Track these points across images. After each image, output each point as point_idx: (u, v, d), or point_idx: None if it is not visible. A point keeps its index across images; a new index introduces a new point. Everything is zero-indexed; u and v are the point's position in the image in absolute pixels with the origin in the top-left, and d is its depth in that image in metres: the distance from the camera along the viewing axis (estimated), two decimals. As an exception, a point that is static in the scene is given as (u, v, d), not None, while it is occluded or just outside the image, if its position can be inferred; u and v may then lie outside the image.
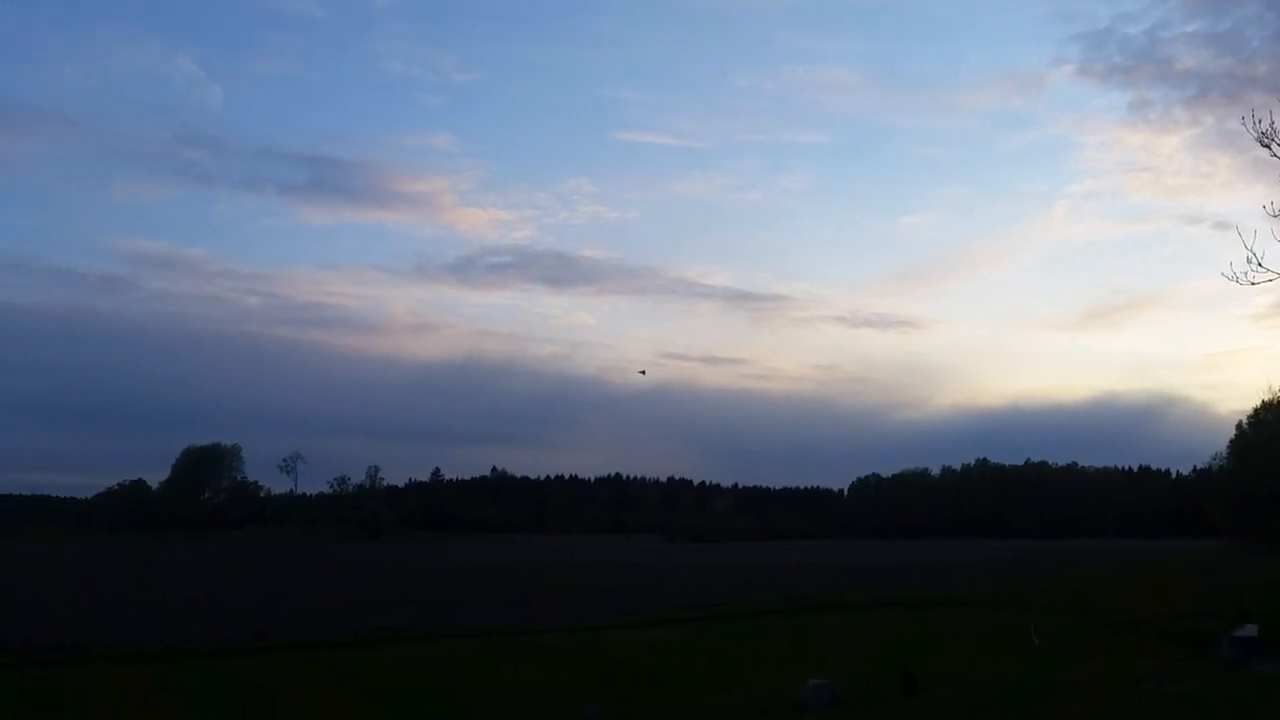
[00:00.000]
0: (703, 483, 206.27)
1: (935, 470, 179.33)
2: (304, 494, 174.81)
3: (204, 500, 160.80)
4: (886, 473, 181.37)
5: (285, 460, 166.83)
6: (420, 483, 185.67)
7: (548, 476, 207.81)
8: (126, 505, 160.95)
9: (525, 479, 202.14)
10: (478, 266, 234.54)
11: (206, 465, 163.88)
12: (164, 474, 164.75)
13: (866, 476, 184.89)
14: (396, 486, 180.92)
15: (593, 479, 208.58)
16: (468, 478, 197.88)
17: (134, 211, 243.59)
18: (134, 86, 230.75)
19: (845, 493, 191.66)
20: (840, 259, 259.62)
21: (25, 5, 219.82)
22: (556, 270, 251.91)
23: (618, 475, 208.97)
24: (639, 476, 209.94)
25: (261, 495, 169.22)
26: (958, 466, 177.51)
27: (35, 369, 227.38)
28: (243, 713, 10.95)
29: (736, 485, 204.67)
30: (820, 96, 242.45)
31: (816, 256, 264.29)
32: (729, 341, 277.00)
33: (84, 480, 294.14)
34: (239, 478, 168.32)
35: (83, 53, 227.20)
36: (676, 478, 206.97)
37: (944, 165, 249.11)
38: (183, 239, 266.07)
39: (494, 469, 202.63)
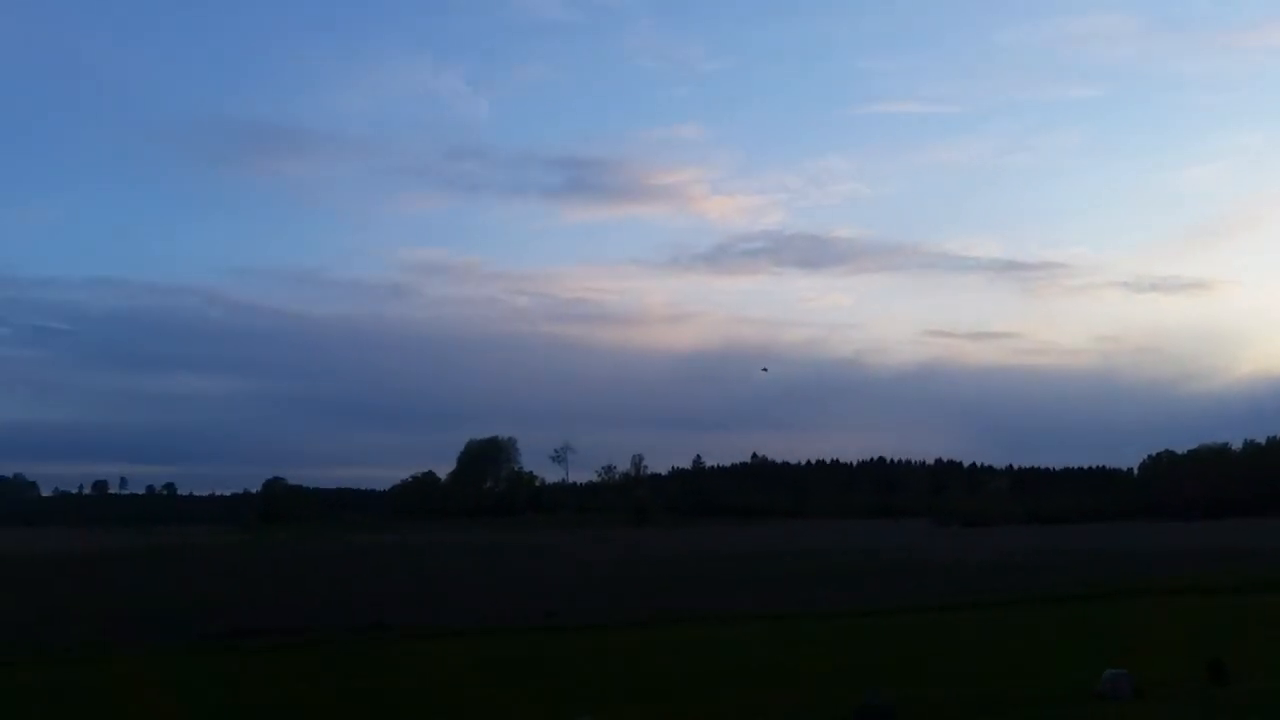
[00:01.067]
0: (973, 464, 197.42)
1: (1236, 444, 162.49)
2: (574, 482, 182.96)
3: (486, 489, 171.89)
4: (1181, 449, 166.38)
5: (556, 451, 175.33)
6: (683, 470, 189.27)
7: (808, 461, 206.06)
8: (419, 495, 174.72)
9: (785, 464, 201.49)
10: (730, 254, 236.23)
11: (487, 457, 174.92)
12: (450, 466, 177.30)
13: (1159, 454, 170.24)
14: (660, 474, 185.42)
15: (855, 463, 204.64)
16: (728, 464, 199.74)
17: (414, 223, 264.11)
18: (408, 106, 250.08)
19: (1135, 471, 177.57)
20: (1120, 220, 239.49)
21: (310, 43, 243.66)
22: (810, 252, 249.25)
23: (881, 459, 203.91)
24: (904, 459, 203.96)
25: (536, 484, 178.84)
26: (1262, 440, 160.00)
27: (335, 374, 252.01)
28: (541, 693, 11.76)
29: (1011, 466, 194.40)
30: (1090, 48, 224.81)
31: (1093, 219, 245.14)
32: (998, 315, 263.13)
33: (380, 473, 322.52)
34: (516, 468, 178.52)
35: (361, 79, 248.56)
36: (945, 459, 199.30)
37: (1230, 112, 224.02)
38: (458, 246, 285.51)
39: (754, 455, 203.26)
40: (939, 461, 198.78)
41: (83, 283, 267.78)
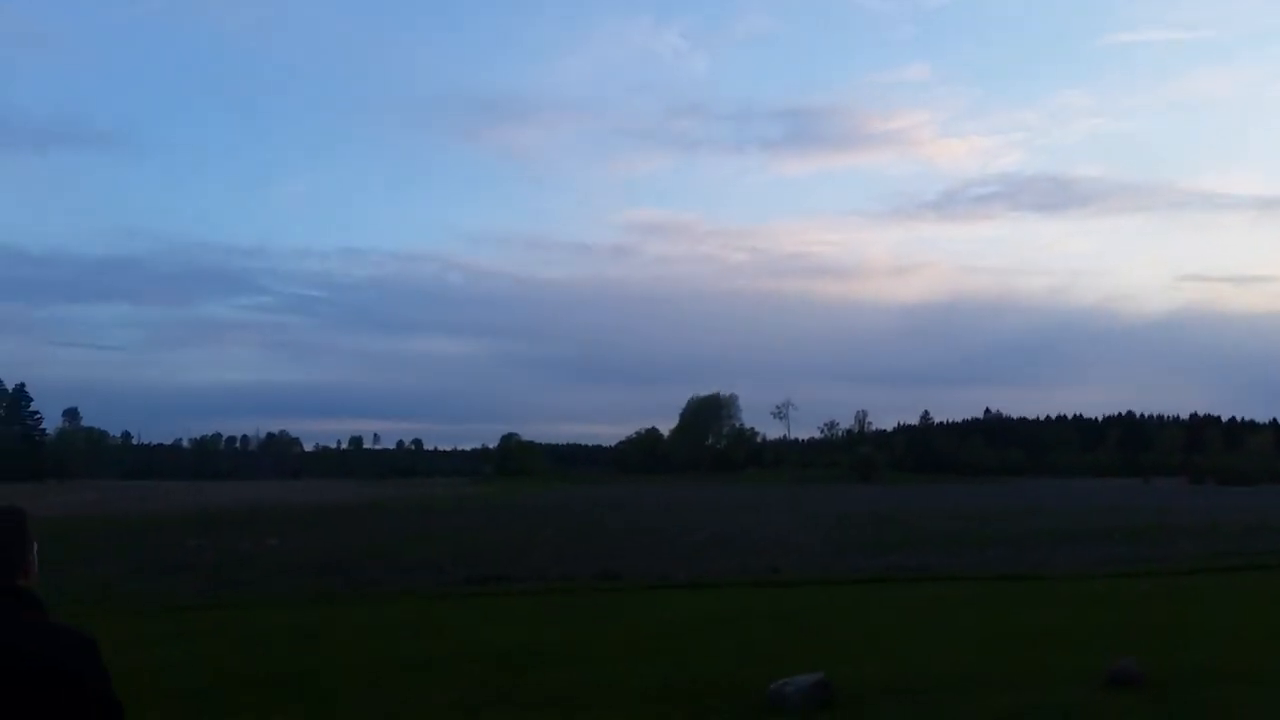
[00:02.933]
0: (1233, 419, 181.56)
1: None
2: (796, 439, 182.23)
3: (708, 446, 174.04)
4: None
5: (778, 407, 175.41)
6: (909, 426, 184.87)
7: (1046, 416, 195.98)
8: (643, 451, 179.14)
9: (1022, 419, 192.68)
10: (960, 200, 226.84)
11: (709, 414, 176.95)
12: (673, 422, 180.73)
13: None
14: (885, 430, 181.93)
15: (1100, 418, 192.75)
16: (958, 420, 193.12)
17: (633, 184, 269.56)
18: (627, 67, 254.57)
19: None
20: None
21: (533, 12, 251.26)
22: (1049, 195, 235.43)
23: (1129, 413, 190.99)
24: (1154, 414, 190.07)
25: (758, 440, 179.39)
26: None
27: (562, 335, 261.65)
28: (769, 646, 11.82)
29: (1275, 420, 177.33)
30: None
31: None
32: (1260, 257, 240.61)
33: (606, 430, 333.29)
34: (737, 425, 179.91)
35: (581, 42, 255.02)
36: (1200, 414, 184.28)
37: None
38: (677, 205, 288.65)
39: (987, 410, 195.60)
40: (1194, 416, 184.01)
41: (334, 252, 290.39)
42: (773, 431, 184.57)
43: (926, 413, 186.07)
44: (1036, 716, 8.19)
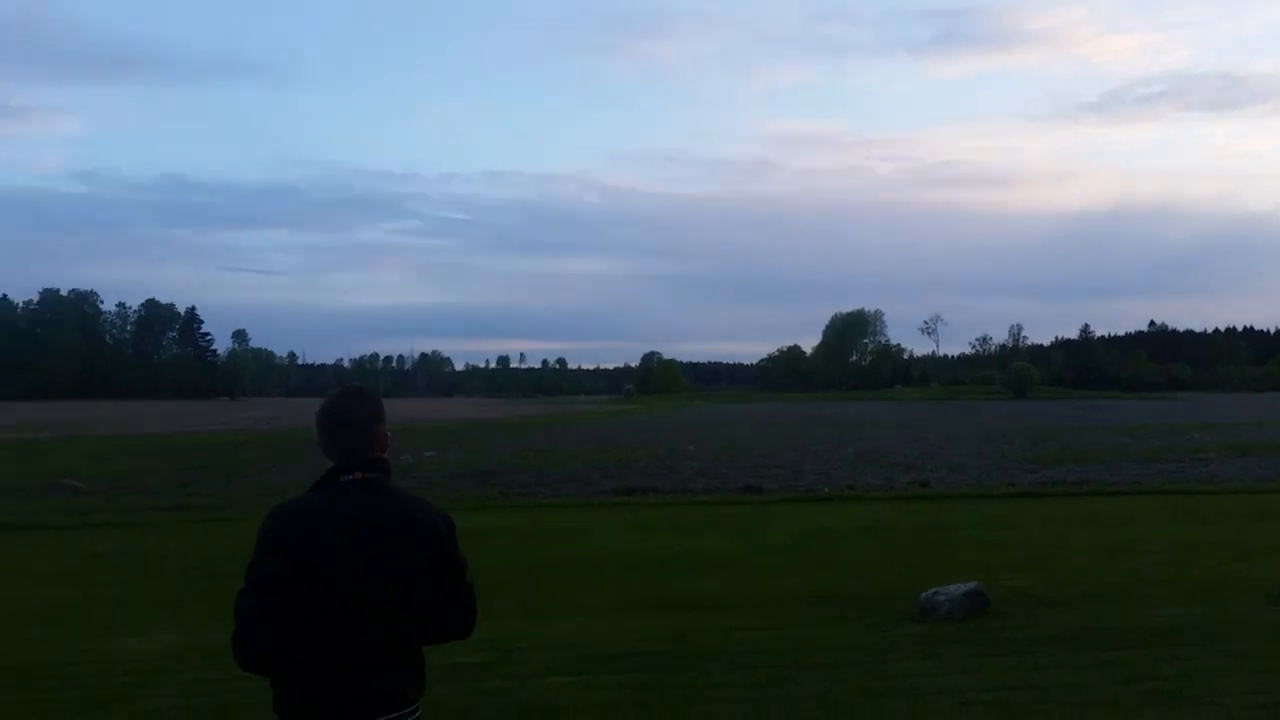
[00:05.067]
0: None
1: None
2: (945, 355, 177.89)
3: (852, 363, 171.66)
4: None
5: (926, 322, 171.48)
6: (1068, 340, 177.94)
7: (1216, 329, 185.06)
8: (785, 368, 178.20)
9: (1189, 332, 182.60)
10: (1123, 100, 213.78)
11: (853, 330, 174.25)
12: (816, 339, 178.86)
13: None
14: (1041, 345, 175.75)
15: (1272, 330, 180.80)
16: (1121, 333, 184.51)
17: (775, 94, 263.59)
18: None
19: None
20: None
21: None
22: (1221, 93, 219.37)
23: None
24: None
25: (904, 357, 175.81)
26: None
27: (702, 252, 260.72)
28: (910, 564, 11.82)
29: None
30: None
31: None
32: None
33: (747, 348, 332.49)
34: (883, 341, 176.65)
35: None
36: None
37: None
38: (821, 114, 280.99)
39: (1151, 323, 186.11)
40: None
41: (479, 176, 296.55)
42: (920, 348, 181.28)
43: (1086, 326, 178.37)
44: (1203, 628, 7.97)
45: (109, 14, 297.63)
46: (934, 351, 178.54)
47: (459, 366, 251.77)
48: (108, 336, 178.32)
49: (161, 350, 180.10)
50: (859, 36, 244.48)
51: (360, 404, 2.79)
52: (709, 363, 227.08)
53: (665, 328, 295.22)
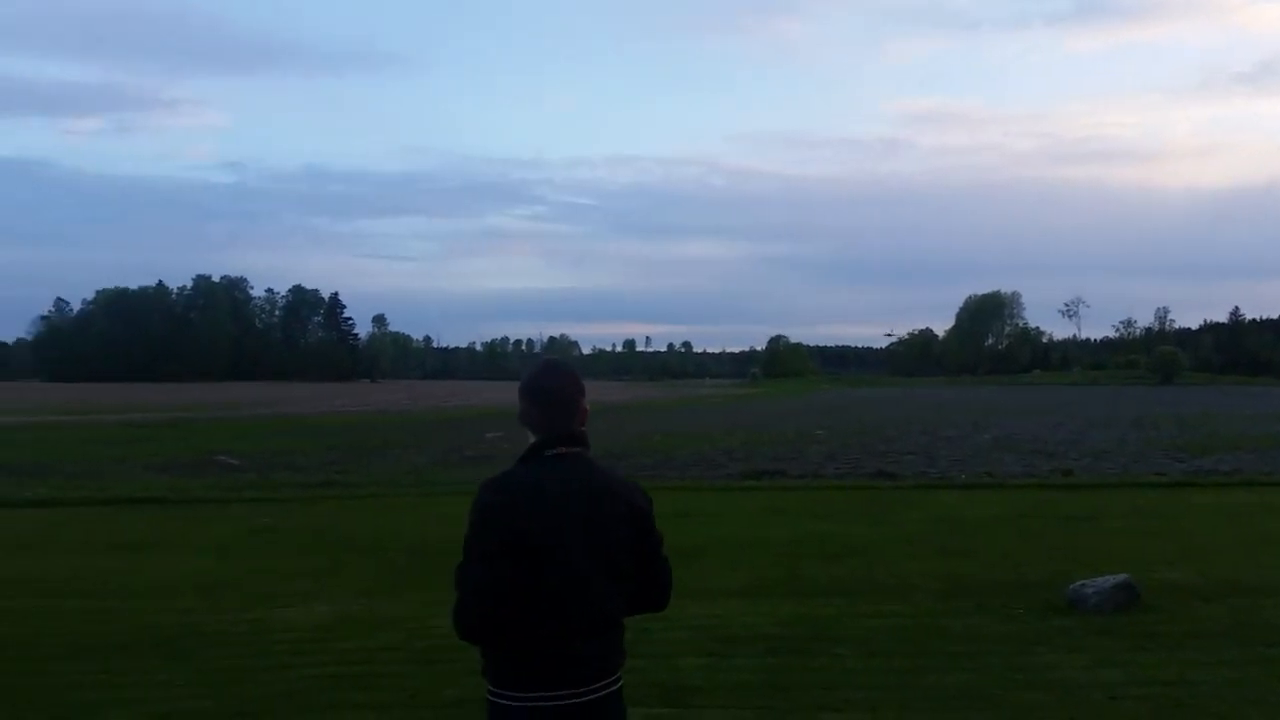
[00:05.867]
0: None
1: None
2: (1087, 338, 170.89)
3: (987, 347, 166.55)
4: None
5: (1066, 305, 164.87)
6: (1217, 323, 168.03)
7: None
8: (916, 352, 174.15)
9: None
10: (1277, 71, 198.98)
11: (988, 313, 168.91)
12: (949, 322, 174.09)
13: None
14: (1189, 328, 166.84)
15: None
16: (1274, 316, 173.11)
17: (904, 71, 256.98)
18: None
19: None
20: None
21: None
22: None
23: None
24: None
25: (1044, 340, 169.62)
26: None
27: (829, 233, 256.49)
28: (1053, 553, 11.43)
29: None
30: None
31: None
32: None
33: (877, 331, 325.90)
34: (1020, 324, 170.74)
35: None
36: None
37: None
38: (953, 90, 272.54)
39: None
40: None
41: (603, 160, 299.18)
42: (1060, 331, 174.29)
43: (1237, 309, 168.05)
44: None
45: (249, 8, 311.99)
46: (1075, 335, 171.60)
47: (586, 350, 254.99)
48: (257, 321, 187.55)
49: (307, 334, 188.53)
50: (993, 9, 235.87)
51: (566, 379, 2.88)
52: (836, 346, 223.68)
53: (791, 311, 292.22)
